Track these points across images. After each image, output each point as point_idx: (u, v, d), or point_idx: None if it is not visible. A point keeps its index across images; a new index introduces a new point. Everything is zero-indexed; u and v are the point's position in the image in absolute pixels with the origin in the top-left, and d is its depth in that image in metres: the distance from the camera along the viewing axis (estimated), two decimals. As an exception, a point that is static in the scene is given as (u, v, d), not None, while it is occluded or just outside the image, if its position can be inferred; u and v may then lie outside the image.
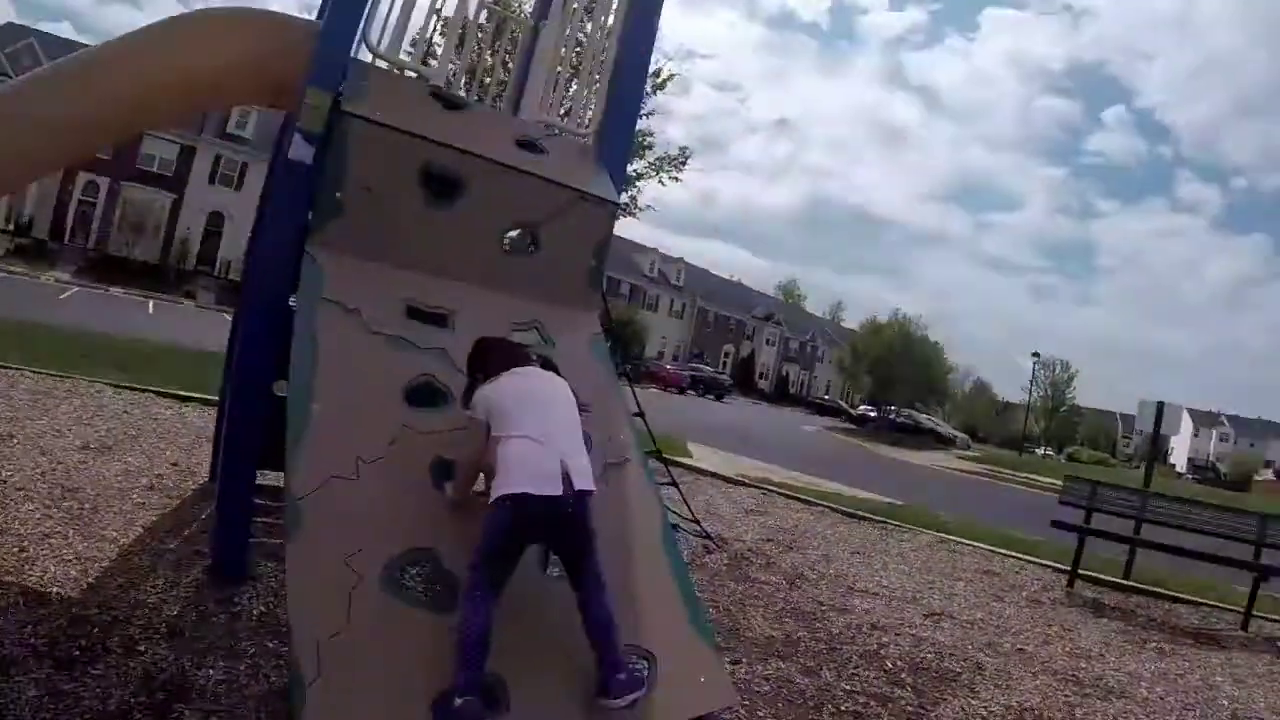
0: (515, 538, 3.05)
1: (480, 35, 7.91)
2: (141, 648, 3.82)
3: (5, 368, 9.66)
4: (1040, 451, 69.41)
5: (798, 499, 11.90)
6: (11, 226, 39.52)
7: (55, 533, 5.03)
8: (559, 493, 3.04)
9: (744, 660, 5.02)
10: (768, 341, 78.09)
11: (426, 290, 4.16)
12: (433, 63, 4.95)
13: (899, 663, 5.47)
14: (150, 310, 28.47)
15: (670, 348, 69.72)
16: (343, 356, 3.61)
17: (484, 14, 7.41)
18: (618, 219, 5.00)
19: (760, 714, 4.30)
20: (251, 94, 5.21)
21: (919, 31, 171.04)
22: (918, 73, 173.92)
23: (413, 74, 5.12)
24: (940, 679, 5.30)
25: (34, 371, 9.79)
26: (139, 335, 15.84)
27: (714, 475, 12.83)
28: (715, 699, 3.48)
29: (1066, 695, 5.38)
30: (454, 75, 8.24)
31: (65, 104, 4.35)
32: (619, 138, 5.42)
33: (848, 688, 4.88)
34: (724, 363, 72.63)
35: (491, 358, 3.50)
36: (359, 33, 4.59)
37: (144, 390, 10.06)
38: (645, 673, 3.28)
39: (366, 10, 4.59)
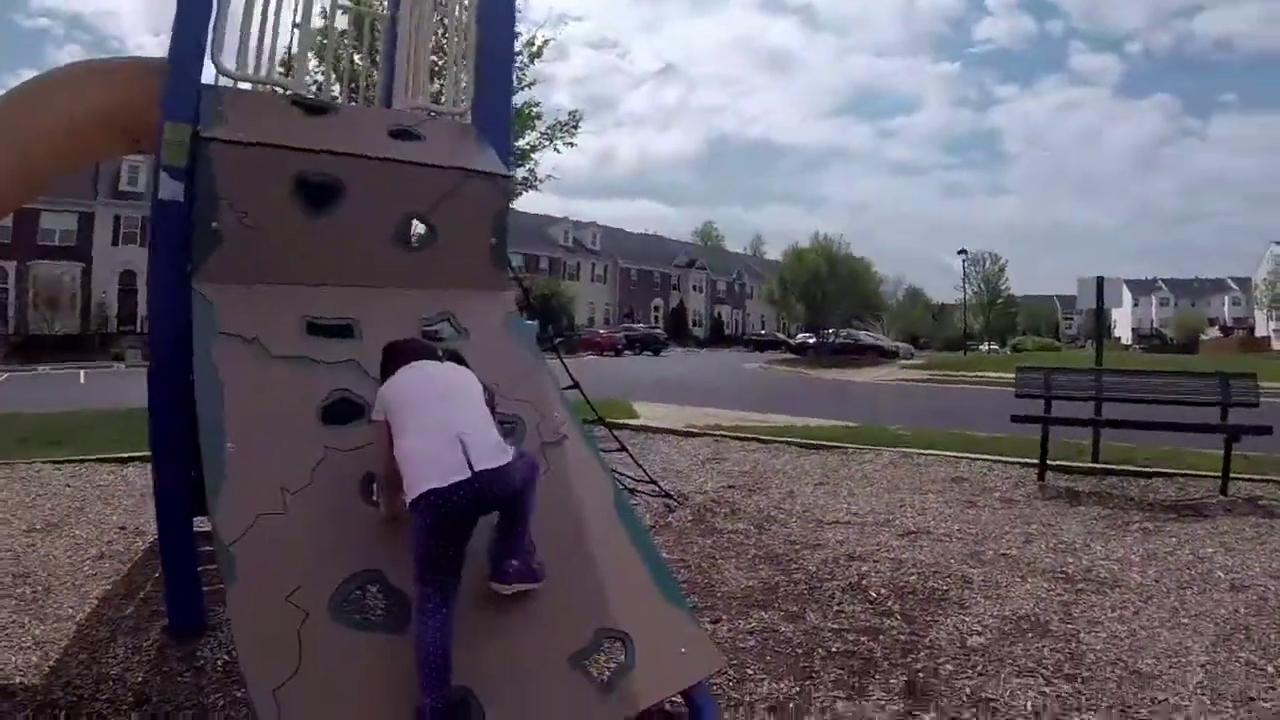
0: (441, 538, 2.87)
1: (342, 38, 7.63)
2: None
3: None
4: (984, 348, 70.31)
5: (752, 439, 11.90)
6: (-75, 325, 38.55)
7: (11, 622, 4.90)
8: (465, 477, 2.85)
9: (724, 617, 4.96)
10: (694, 288, 78.75)
11: (324, 303, 4.01)
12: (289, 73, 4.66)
13: (883, 590, 5.42)
14: (82, 380, 27.83)
15: (599, 312, 70.04)
16: (249, 389, 3.47)
17: (342, 17, 7.17)
18: (514, 193, 4.83)
19: (750, 671, 4.23)
20: (117, 143, 5.09)
21: None
22: None
23: (274, 88, 4.95)
24: (928, 600, 5.24)
25: None
26: (73, 408, 15.44)
27: (665, 431, 12.81)
28: (701, 667, 3.38)
29: (1059, 594, 5.33)
30: (326, 83, 8.02)
31: None
32: (497, 111, 5.28)
33: (835, 626, 4.81)
34: (655, 317, 73.37)
35: (392, 359, 3.35)
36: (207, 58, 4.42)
37: (83, 461, 9.87)
38: (541, 568, 3.19)
39: (210, 34, 4.42)
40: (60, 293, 42.67)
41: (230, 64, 4.61)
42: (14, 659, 4.40)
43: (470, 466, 2.86)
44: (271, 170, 4.04)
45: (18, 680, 4.16)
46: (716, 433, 12.48)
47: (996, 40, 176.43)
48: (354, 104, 6.50)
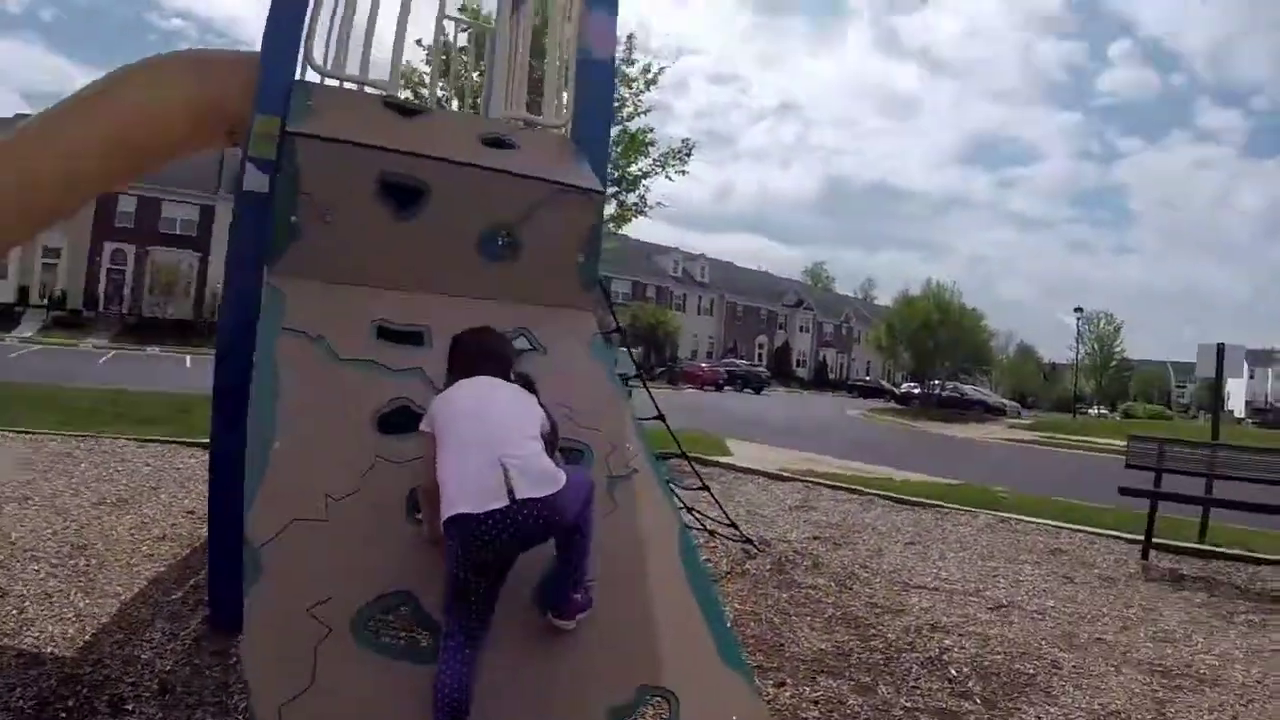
0: (472, 569, 2.62)
1: (461, 53, 7.61)
2: (130, 707, 3.68)
3: (30, 433, 9.76)
4: (1093, 411, 67.70)
5: (844, 489, 11.42)
6: (47, 301, 40.69)
7: (57, 592, 4.94)
8: (502, 505, 2.60)
9: (789, 681, 4.61)
10: (801, 328, 77.40)
11: (397, 308, 3.87)
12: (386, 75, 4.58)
13: (964, 669, 4.99)
14: (188, 364, 28.69)
15: (703, 345, 69.45)
16: (306, 389, 3.32)
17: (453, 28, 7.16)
18: (614, 213, 4.65)
19: None
20: (212, 134, 5.07)
21: None
22: (912, 36, 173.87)
23: (368, 89, 4.88)
24: (1012, 684, 4.81)
25: (59, 434, 9.85)
26: (172, 390, 15.82)
27: (755, 472, 12.41)
28: (751, 743, 3.05)
29: (1154, 689, 4.86)
30: (432, 92, 7.99)
31: (29, 162, 4.39)
32: (596, 127, 5.09)
33: (907, 704, 4.42)
34: (759, 354, 72.44)
35: (455, 359, 3.14)
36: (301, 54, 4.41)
37: (168, 442, 10.04)
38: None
39: (305, 30, 4.40)
40: (176, 279, 44.33)
41: (325, 62, 4.59)
42: (53, 629, 4.43)
43: (511, 494, 2.61)
44: (355, 168, 3.94)
45: (50, 650, 4.18)
46: (809, 479, 12.06)
47: (1120, 92, 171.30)
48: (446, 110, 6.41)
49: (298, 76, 4.52)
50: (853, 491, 11.25)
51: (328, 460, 3.12)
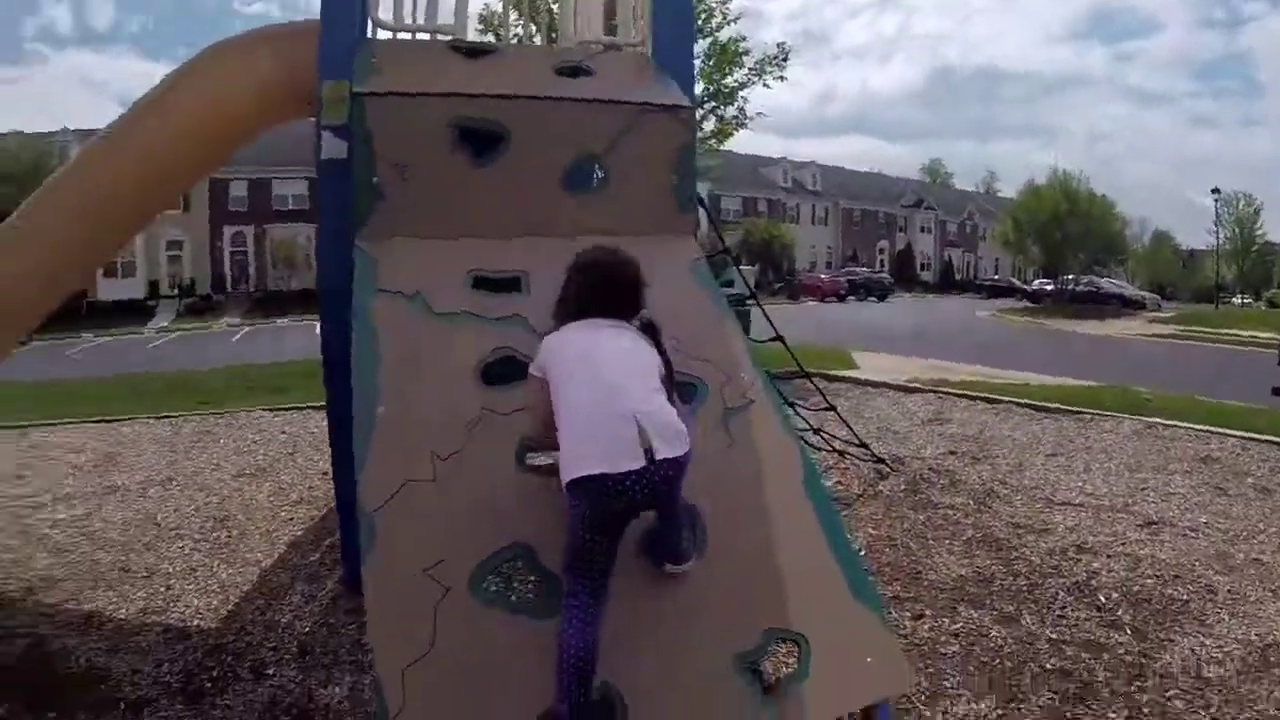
0: (599, 531, 2.47)
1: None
2: (270, 671, 3.83)
3: (170, 416, 10.25)
4: (1236, 300, 63.31)
5: (979, 398, 10.87)
6: (177, 291, 42.72)
7: (201, 565, 5.18)
8: (639, 465, 2.40)
9: (927, 612, 4.41)
10: (922, 229, 74.06)
11: (490, 256, 3.73)
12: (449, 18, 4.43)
13: (1113, 594, 4.66)
14: (316, 331, 29.42)
15: (820, 256, 67.60)
16: (407, 347, 3.26)
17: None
18: (713, 129, 4.42)
19: (948, 684, 3.73)
20: (289, 107, 5.09)
21: None
22: None
23: (431, 35, 4.71)
24: (1163, 612, 4.46)
25: (197, 414, 10.36)
26: (302, 357, 16.28)
27: (884, 385, 12.01)
28: (889, 683, 2.88)
29: (1319, 617, 4.39)
30: (505, 22, 7.79)
31: (106, 171, 4.69)
32: (678, 40, 4.78)
33: (1054, 636, 4.17)
34: (880, 261, 69.69)
35: (575, 288, 2.84)
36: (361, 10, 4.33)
37: (301, 408, 10.39)
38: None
39: None
40: (295, 252, 45.61)
41: (385, 15, 4.47)
42: (197, 602, 4.63)
43: (649, 453, 2.42)
44: (429, 120, 3.80)
45: (196, 623, 4.36)
46: (941, 389, 11.54)
47: None
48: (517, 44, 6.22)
49: (363, 34, 4.42)
50: (988, 401, 10.71)
51: (433, 419, 3.05)
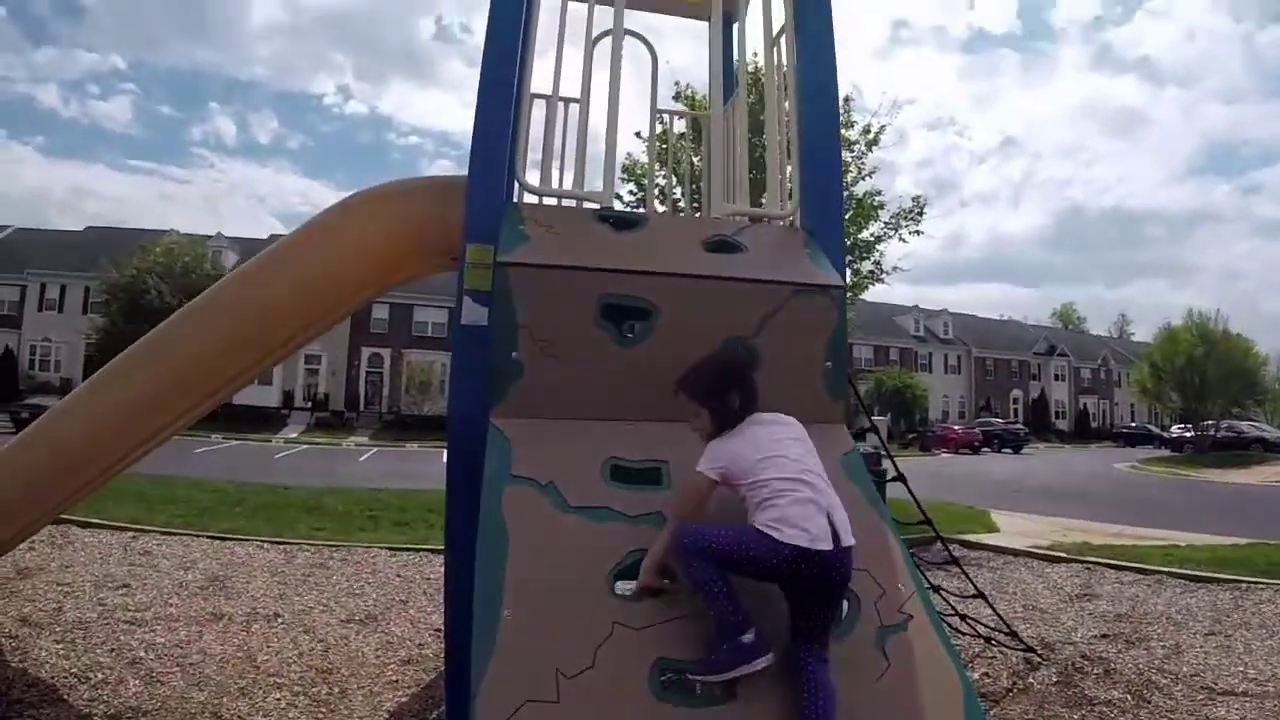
0: (798, 603, 2.74)
1: (681, 140, 7.36)
2: None
3: (285, 542, 10.26)
4: None
5: (1128, 568, 10.20)
6: (310, 404, 44.30)
7: None
8: (829, 548, 2.67)
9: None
10: (1056, 376, 72.39)
11: (631, 443, 3.51)
12: (598, 184, 4.31)
13: None
14: (444, 459, 29.81)
15: (953, 405, 66.38)
16: (537, 546, 3.02)
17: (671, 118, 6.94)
18: (851, 301, 4.12)
19: None
20: (427, 261, 5.17)
21: (1114, 4, 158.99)
22: (1127, 47, 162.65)
23: (579, 202, 4.63)
24: None
25: (313, 543, 10.32)
26: (427, 486, 16.40)
27: (1025, 554, 11.32)
28: None
29: None
30: (650, 190, 7.76)
31: (260, 295, 4.92)
32: (828, 209, 4.62)
33: None
34: (1014, 410, 68.02)
35: (732, 391, 3.07)
36: (508, 173, 4.26)
37: (418, 550, 10.24)
38: None
39: (511, 146, 4.25)
40: (430, 378, 47.39)
41: (535, 177, 4.43)
42: None
43: (837, 539, 2.70)
44: (575, 295, 3.66)
45: None
46: (1087, 558, 10.87)
47: None
48: (664, 212, 6.12)
49: (509, 195, 4.37)
50: (1138, 571, 10.06)
51: (561, 630, 2.78)
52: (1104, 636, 7.24)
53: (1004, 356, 71.71)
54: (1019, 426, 55.84)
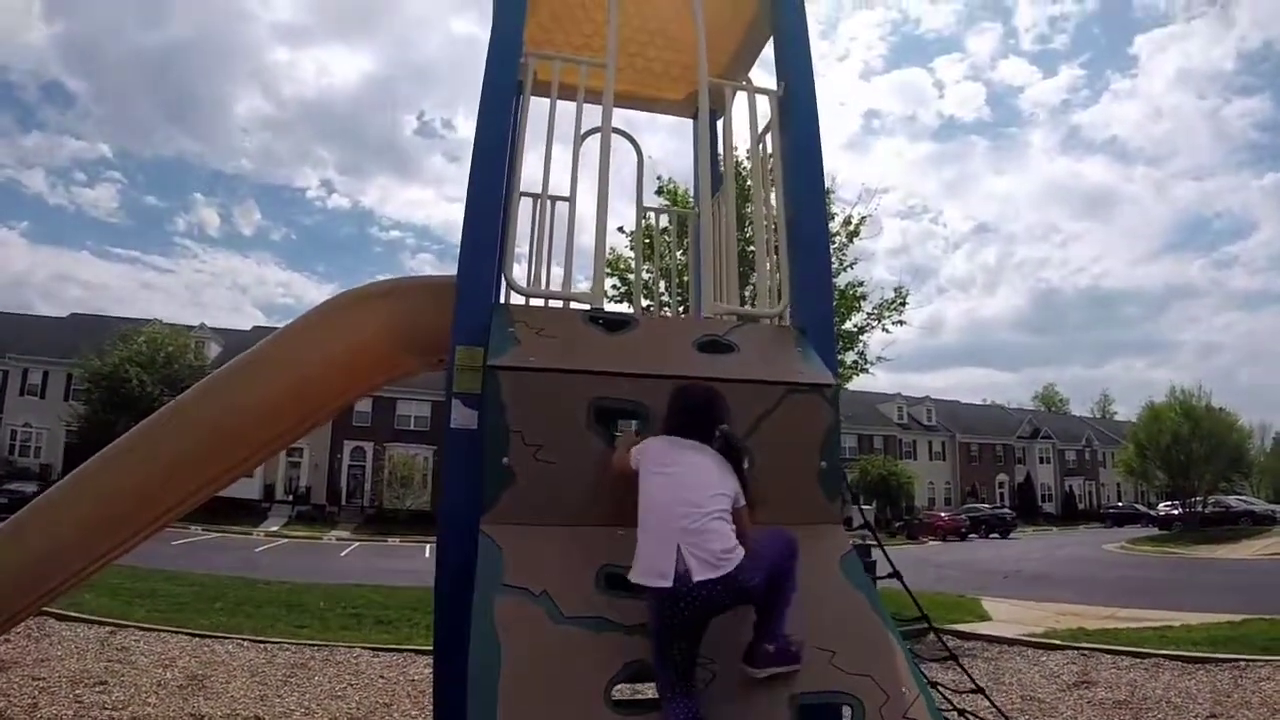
0: (667, 636, 2.90)
1: (664, 236, 7.39)
2: None
3: (265, 641, 9.99)
4: None
5: (1124, 653, 10.12)
6: (291, 497, 43.83)
7: None
8: (679, 586, 2.84)
9: None
10: (1041, 459, 72.31)
11: (624, 549, 3.39)
12: (585, 284, 4.30)
13: None
14: (426, 554, 29.47)
15: (939, 492, 66.19)
16: (532, 657, 2.93)
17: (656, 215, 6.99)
18: (840, 396, 4.08)
19: None
20: (410, 362, 5.12)
21: (1080, 88, 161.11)
22: (1095, 129, 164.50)
23: (567, 303, 4.60)
24: None
25: (294, 642, 10.05)
26: (410, 583, 16.14)
27: (1020, 642, 11.18)
28: None
29: None
30: (637, 290, 7.79)
31: (242, 398, 4.81)
32: (818, 307, 4.62)
33: None
34: (1000, 494, 67.81)
35: (672, 413, 3.41)
36: (500, 274, 4.27)
37: (401, 650, 10.01)
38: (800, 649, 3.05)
39: (499, 249, 4.27)
40: (413, 473, 47.04)
41: (521, 279, 4.44)
42: None
43: (687, 577, 2.84)
44: (567, 399, 3.62)
45: None
46: (1082, 644, 10.77)
47: None
48: (651, 314, 6.12)
49: (498, 293, 4.37)
50: (1134, 655, 9.97)
51: None
52: None
53: (988, 441, 71.77)
54: (1006, 511, 55.56)
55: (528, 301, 4.60)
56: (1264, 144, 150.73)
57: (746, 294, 4.92)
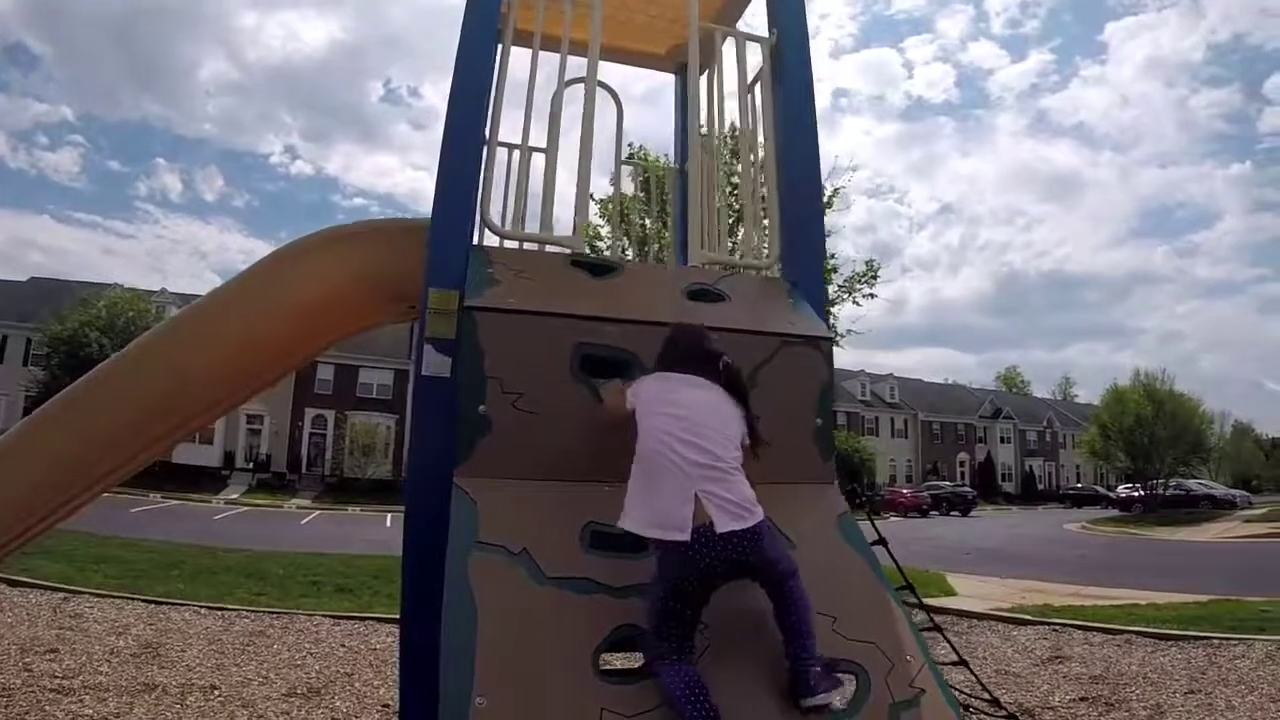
0: (678, 597, 2.60)
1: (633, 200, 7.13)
2: None
3: (223, 608, 9.72)
4: None
5: (1096, 629, 10.09)
6: (252, 465, 43.21)
7: None
8: (701, 539, 2.56)
9: None
10: (1002, 439, 73.12)
11: (612, 506, 3.14)
12: (566, 230, 4.03)
13: None
14: (388, 524, 29.25)
15: (901, 469, 66.66)
16: (510, 623, 2.67)
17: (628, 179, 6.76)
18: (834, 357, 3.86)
19: None
20: (384, 309, 4.80)
21: (1049, 73, 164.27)
22: (1063, 114, 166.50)
23: (551, 247, 4.30)
24: None
25: (253, 610, 9.81)
26: (371, 551, 15.85)
27: (990, 617, 11.16)
28: None
29: None
30: (615, 245, 7.54)
31: (186, 356, 4.37)
32: (809, 259, 4.38)
33: None
34: (961, 473, 68.47)
35: (669, 348, 3.13)
36: (477, 215, 3.95)
37: (364, 618, 9.79)
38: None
39: (479, 188, 3.96)
40: (374, 441, 46.45)
41: (502, 221, 4.16)
42: None
43: (709, 529, 2.57)
44: (550, 344, 3.35)
45: None
46: (1052, 620, 10.72)
47: None
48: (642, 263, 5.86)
49: (474, 241, 4.07)
50: (1105, 631, 9.95)
51: (542, 718, 2.46)
52: (1082, 699, 7.06)
53: (950, 420, 72.35)
54: (967, 489, 56.07)
55: (502, 243, 4.30)
56: (1230, 135, 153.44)
57: (733, 245, 4.66)
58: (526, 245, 4.26)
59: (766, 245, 4.59)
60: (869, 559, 3.35)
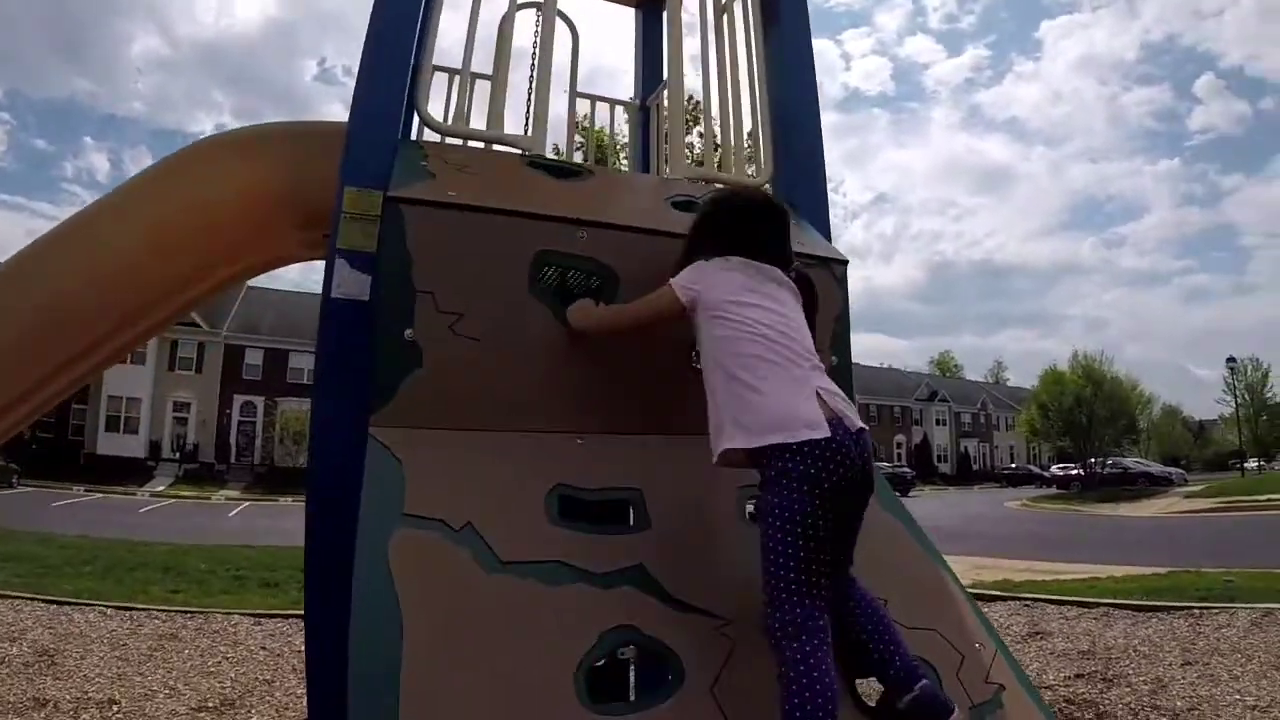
0: (822, 519, 1.92)
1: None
2: None
3: (132, 608, 8.78)
4: (1251, 465, 63.11)
5: (1069, 602, 9.69)
6: (178, 455, 41.79)
7: None
8: (840, 434, 1.98)
9: None
10: (937, 421, 74.56)
11: (585, 463, 2.39)
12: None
13: None
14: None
15: (839, 452, 67.40)
16: (453, 629, 1.86)
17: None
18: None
19: None
20: (285, 238, 3.87)
21: (984, 68, 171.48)
22: (996, 109, 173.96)
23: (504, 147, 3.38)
24: None
25: (164, 609, 8.86)
26: (300, 543, 14.91)
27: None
28: None
29: None
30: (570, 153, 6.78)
31: (65, 276, 3.38)
32: (813, 182, 3.72)
33: None
34: (898, 454, 69.38)
35: (729, 220, 2.37)
36: (405, 104, 3.10)
37: (287, 616, 8.79)
38: None
39: (410, 72, 3.10)
40: (306, 428, 44.53)
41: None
42: None
43: (842, 424, 2.01)
44: (500, 251, 2.49)
45: None
46: (1024, 596, 10.28)
47: (1214, 128, 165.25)
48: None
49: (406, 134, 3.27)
50: (1080, 605, 9.50)
51: None
52: (1079, 676, 6.60)
53: (886, 402, 72.88)
54: (905, 470, 56.56)
55: (444, 140, 3.43)
56: (1160, 132, 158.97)
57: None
58: (472, 144, 3.42)
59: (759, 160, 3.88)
60: (910, 525, 2.64)
